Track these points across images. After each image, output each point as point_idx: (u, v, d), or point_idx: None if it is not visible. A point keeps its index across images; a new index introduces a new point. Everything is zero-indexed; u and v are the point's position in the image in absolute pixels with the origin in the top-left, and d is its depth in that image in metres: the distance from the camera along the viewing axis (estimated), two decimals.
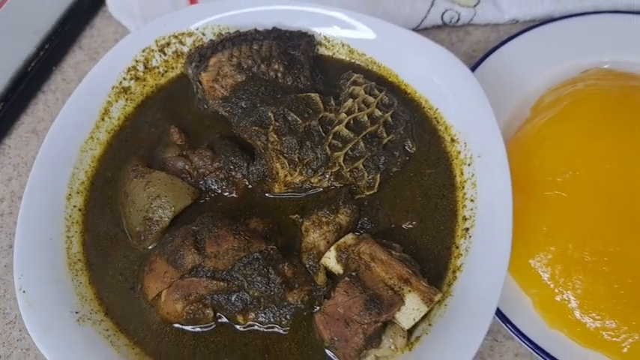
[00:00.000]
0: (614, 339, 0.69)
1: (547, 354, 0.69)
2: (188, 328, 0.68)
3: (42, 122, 0.95)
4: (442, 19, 0.98)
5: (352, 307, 0.62)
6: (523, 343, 0.70)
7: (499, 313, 0.71)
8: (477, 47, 0.99)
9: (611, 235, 0.71)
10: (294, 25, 0.83)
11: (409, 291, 0.63)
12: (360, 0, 0.96)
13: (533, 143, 0.80)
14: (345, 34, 0.82)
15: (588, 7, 0.96)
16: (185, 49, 0.83)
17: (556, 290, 0.71)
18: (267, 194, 0.75)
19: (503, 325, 0.71)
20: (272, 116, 0.71)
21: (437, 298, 0.63)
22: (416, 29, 0.98)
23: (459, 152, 0.74)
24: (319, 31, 0.83)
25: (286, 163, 0.70)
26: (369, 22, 0.80)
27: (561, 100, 0.83)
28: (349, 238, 0.67)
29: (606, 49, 0.91)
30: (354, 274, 0.64)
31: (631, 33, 0.91)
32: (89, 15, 1.05)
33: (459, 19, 0.98)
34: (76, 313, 0.67)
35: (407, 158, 0.75)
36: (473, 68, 0.88)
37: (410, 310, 0.63)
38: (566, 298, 0.71)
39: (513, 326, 0.71)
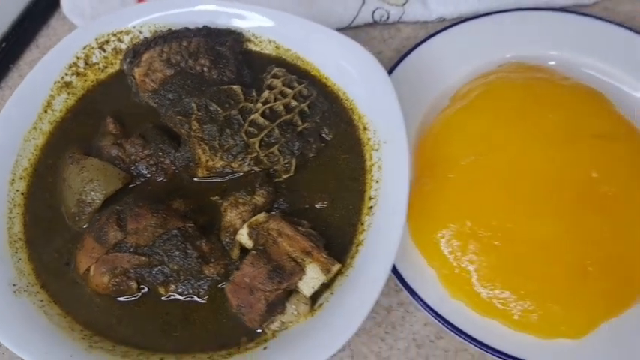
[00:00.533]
0: (505, 307, 0.75)
1: (449, 322, 0.76)
2: (120, 298, 0.75)
3: None
4: (373, 17, 1.04)
5: (257, 277, 0.69)
6: (429, 314, 0.76)
7: (408, 287, 0.78)
8: (406, 43, 1.05)
9: (505, 214, 0.77)
10: (224, 23, 0.89)
11: (310, 262, 0.70)
12: (295, 0, 1.03)
13: (443, 130, 0.87)
14: (272, 32, 0.89)
15: (511, 4, 1.03)
16: (123, 47, 0.89)
17: (454, 263, 0.77)
18: (193, 178, 0.81)
19: (412, 298, 0.78)
20: (195, 106, 0.78)
21: (335, 268, 0.70)
22: (349, 26, 1.05)
23: (370, 139, 0.81)
24: (248, 28, 0.90)
25: (207, 149, 0.77)
26: (294, 21, 0.87)
27: (472, 90, 0.90)
28: (261, 217, 0.74)
29: (524, 43, 0.97)
30: (260, 247, 0.71)
31: (548, 28, 0.98)
32: (46, 15, 1.11)
33: (388, 17, 1.04)
34: (14, 285, 0.73)
35: (323, 145, 0.82)
36: (399, 62, 0.95)
37: (310, 279, 0.70)
38: (464, 271, 0.77)
39: (419, 298, 0.77)
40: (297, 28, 0.87)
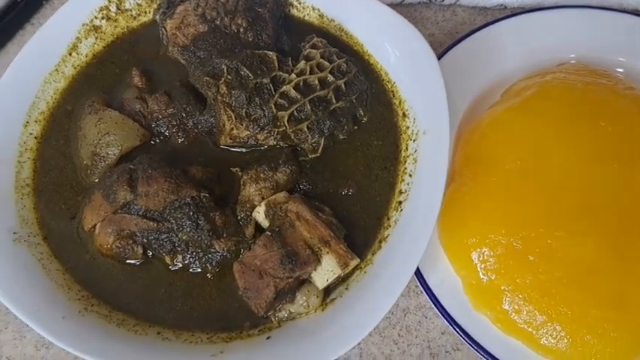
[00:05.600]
0: (532, 329, 0.70)
1: (469, 335, 0.71)
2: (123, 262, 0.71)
3: None
4: None
5: (268, 261, 0.64)
6: (448, 323, 0.72)
7: (429, 291, 0.73)
8: (460, 28, 0.99)
9: (545, 227, 0.71)
10: None
11: (327, 252, 0.65)
12: None
13: (490, 128, 0.81)
14: None
15: (576, 0, 0.95)
16: None
17: (483, 275, 0.72)
18: (215, 145, 0.77)
19: (433, 304, 0.73)
20: (225, 69, 0.72)
21: (353, 263, 0.66)
22: (402, 3, 0.98)
23: (408, 127, 0.75)
24: None
25: (233, 117, 0.72)
26: None
27: (527, 89, 0.83)
28: (280, 196, 0.69)
29: (588, 43, 0.90)
30: (276, 229, 0.66)
31: (618, 31, 0.90)
32: None
33: None
34: (14, 233, 0.71)
35: (356, 127, 0.77)
36: (451, 47, 0.89)
37: (325, 271, 0.65)
38: (493, 284, 0.72)
39: (440, 305, 0.73)
40: None
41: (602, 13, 0.91)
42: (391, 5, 0.95)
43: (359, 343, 0.74)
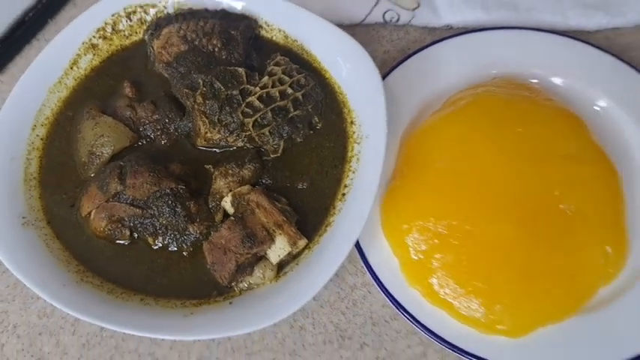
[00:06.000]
0: (454, 301, 0.81)
1: (402, 307, 0.83)
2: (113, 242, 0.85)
3: None
4: (383, 17, 1.10)
5: (231, 240, 0.78)
6: (387, 297, 0.84)
7: (371, 270, 0.85)
8: (412, 46, 1.10)
9: (466, 216, 0.82)
10: (242, 8, 0.97)
11: (280, 234, 0.79)
12: None
13: (427, 132, 0.93)
14: (282, 21, 0.96)
15: (513, 22, 1.08)
16: (148, 18, 0.98)
17: (414, 255, 0.84)
18: (193, 146, 0.90)
19: (374, 281, 0.85)
20: (201, 82, 0.86)
21: (301, 243, 0.79)
22: (361, 23, 1.11)
23: (354, 132, 0.88)
24: (262, 16, 0.97)
25: (207, 123, 0.86)
26: (302, 14, 0.93)
27: (461, 99, 0.95)
28: (244, 188, 0.83)
29: (515, 59, 1.01)
30: (239, 215, 0.80)
31: (545, 49, 1.02)
32: None
33: (398, 20, 1.10)
34: (23, 218, 0.84)
35: (311, 132, 0.90)
36: (401, 62, 1.01)
37: (277, 249, 0.78)
38: (422, 262, 0.83)
39: (380, 281, 0.84)
40: (304, 21, 0.93)
41: (531, 34, 1.03)
42: (351, 25, 1.10)
43: (312, 314, 0.88)
